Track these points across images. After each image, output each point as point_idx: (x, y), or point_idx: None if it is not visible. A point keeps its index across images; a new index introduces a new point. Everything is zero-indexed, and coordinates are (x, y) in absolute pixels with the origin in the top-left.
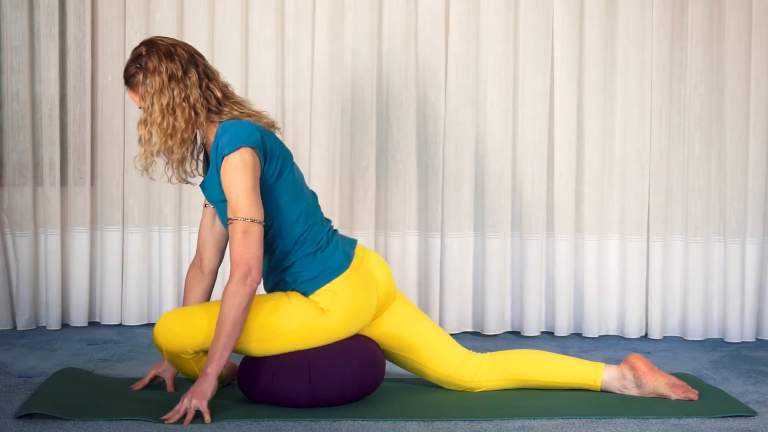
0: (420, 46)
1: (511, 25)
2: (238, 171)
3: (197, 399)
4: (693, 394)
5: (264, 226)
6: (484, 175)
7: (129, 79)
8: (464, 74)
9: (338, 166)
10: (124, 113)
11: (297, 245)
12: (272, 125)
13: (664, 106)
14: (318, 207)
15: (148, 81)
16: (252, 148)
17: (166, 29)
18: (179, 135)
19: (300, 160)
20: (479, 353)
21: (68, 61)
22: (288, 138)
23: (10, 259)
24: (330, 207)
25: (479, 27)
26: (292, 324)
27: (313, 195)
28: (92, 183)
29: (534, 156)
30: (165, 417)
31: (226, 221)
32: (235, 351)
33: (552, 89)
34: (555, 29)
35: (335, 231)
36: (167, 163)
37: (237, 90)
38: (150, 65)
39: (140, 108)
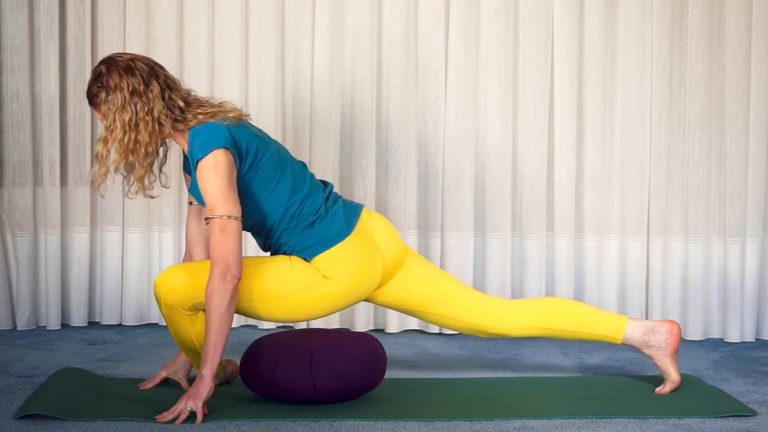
0: (420, 46)
1: (511, 25)
2: (211, 172)
3: (192, 400)
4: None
5: (251, 218)
6: (484, 175)
7: (92, 99)
8: (464, 74)
9: (338, 166)
10: None
11: (292, 222)
12: (239, 116)
13: (663, 106)
14: (307, 177)
15: (110, 98)
16: (225, 148)
17: (166, 29)
18: (142, 149)
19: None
20: (508, 299)
21: (68, 61)
22: (288, 138)
23: (10, 259)
24: None
25: (479, 27)
26: (294, 286)
27: (301, 165)
28: (92, 183)
29: (534, 156)
30: (159, 417)
31: None
32: (244, 314)
33: (552, 89)
34: (555, 29)
35: (337, 198)
36: (125, 178)
37: (237, 90)
38: (111, 82)
39: (105, 126)
